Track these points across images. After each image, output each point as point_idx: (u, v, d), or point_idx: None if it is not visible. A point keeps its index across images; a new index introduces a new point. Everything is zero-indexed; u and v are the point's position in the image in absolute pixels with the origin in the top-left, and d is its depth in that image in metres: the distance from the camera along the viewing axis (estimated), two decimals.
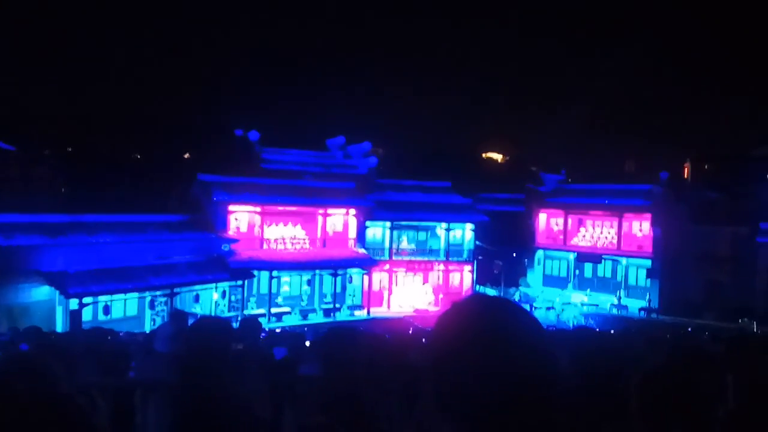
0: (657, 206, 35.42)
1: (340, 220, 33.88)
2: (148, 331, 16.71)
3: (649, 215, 35.93)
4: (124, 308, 24.82)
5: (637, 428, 1.99)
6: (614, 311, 34.13)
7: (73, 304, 22.36)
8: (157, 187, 35.70)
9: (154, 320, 24.75)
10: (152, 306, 25.54)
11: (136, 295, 24.81)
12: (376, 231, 34.73)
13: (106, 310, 23.92)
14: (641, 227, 37.24)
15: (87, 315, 22.72)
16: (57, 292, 22.47)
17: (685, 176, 41.22)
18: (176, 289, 25.61)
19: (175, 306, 24.52)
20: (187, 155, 53.75)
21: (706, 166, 40.85)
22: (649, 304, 33.89)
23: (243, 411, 3.03)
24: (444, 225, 35.56)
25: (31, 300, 22.29)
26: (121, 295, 24.30)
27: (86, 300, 22.68)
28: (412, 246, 35.66)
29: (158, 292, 25.25)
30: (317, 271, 31.82)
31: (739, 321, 28.79)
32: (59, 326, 22.25)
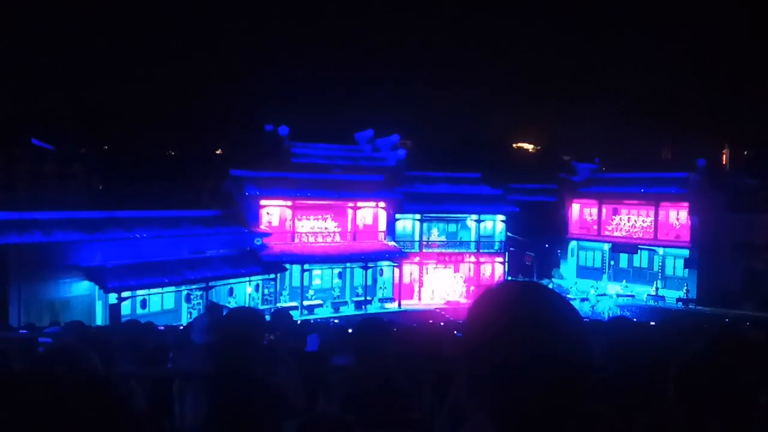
0: (694, 194, 34.56)
1: (369, 212, 33.96)
2: (185, 324, 17.04)
3: (686, 204, 35.09)
4: (161, 302, 25.37)
5: (675, 416, 1.95)
6: (651, 302, 33.50)
7: (112, 298, 22.94)
8: (190, 183, 36.26)
9: (190, 313, 25.23)
10: (188, 299, 26.04)
11: (172, 288, 25.32)
12: (406, 223, 34.71)
13: (144, 303, 24.48)
14: (678, 216, 36.40)
15: (125, 309, 23.28)
16: (96, 286, 23.07)
17: (724, 163, 40.06)
18: (211, 283, 26.06)
19: (211, 299, 24.96)
20: (219, 151, 54.47)
21: (745, 153, 39.62)
22: (687, 295, 33.16)
23: (276, 399, 3.07)
24: (474, 216, 35.33)
25: (71, 295, 22.94)
26: (158, 289, 24.84)
27: (125, 294, 23.23)
28: (443, 238, 35.54)
29: (194, 286, 25.73)
30: (348, 264, 31.98)
31: None
32: (99, 320, 22.87)
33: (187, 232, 26.79)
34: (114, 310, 22.81)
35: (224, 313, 4.71)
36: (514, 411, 1.23)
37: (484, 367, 1.25)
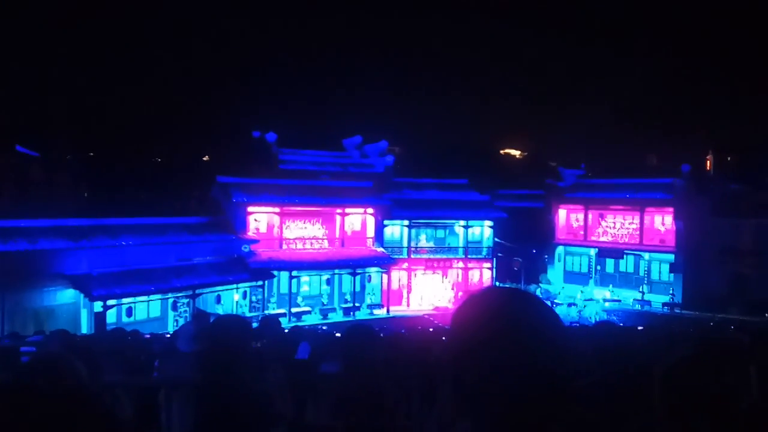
0: (679, 199, 34.95)
1: (358, 219, 33.95)
2: (171, 332, 16.90)
3: (671, 209, 35.46)
4: (147, 310, 25.13)
5: (661, 420, 1.96)
6: (637, 307, 33.74)
7: (98, 306, 22.70)
8: (177, 190, 36.09)
9: (177, 321, 25.02)
10: (175, 307, 25.82)
11: (158, 296, 25.11)
12: (394, 230, 34.73)
13: (130, 311, 24.24)
14: (663, 221, 36.75)
15: (111, 317, 23.05)
16: (81, 295, 22.83)
17: (708, 168, 40.57)
18: (198, 291, 25.88)
19: (197, 307, 24.77)
20: (206, 158, 54.26)
21: (729, 158, 40.18)
22: (673, 299, 33.44)
23: (264, 407, 3.05)
24: (462, 222, 35.44)
25: (56, 303, 22.69)
26: (144, 297, 24.61)
27: (110, 302, 23.00)
28: (431, 244, 35.59)
29: (180, 294, 25.53)
30: (336, 271, 31.91)
31: (766, 315, 28.26)
32: (84, 328, 22.62)
33: (173, 240, 26.60)
34: (99, 318, 22.57)
35: (211, 321, 4.68)
36: (498, 417, 1.23)
37: (467, 374, 1.25)
